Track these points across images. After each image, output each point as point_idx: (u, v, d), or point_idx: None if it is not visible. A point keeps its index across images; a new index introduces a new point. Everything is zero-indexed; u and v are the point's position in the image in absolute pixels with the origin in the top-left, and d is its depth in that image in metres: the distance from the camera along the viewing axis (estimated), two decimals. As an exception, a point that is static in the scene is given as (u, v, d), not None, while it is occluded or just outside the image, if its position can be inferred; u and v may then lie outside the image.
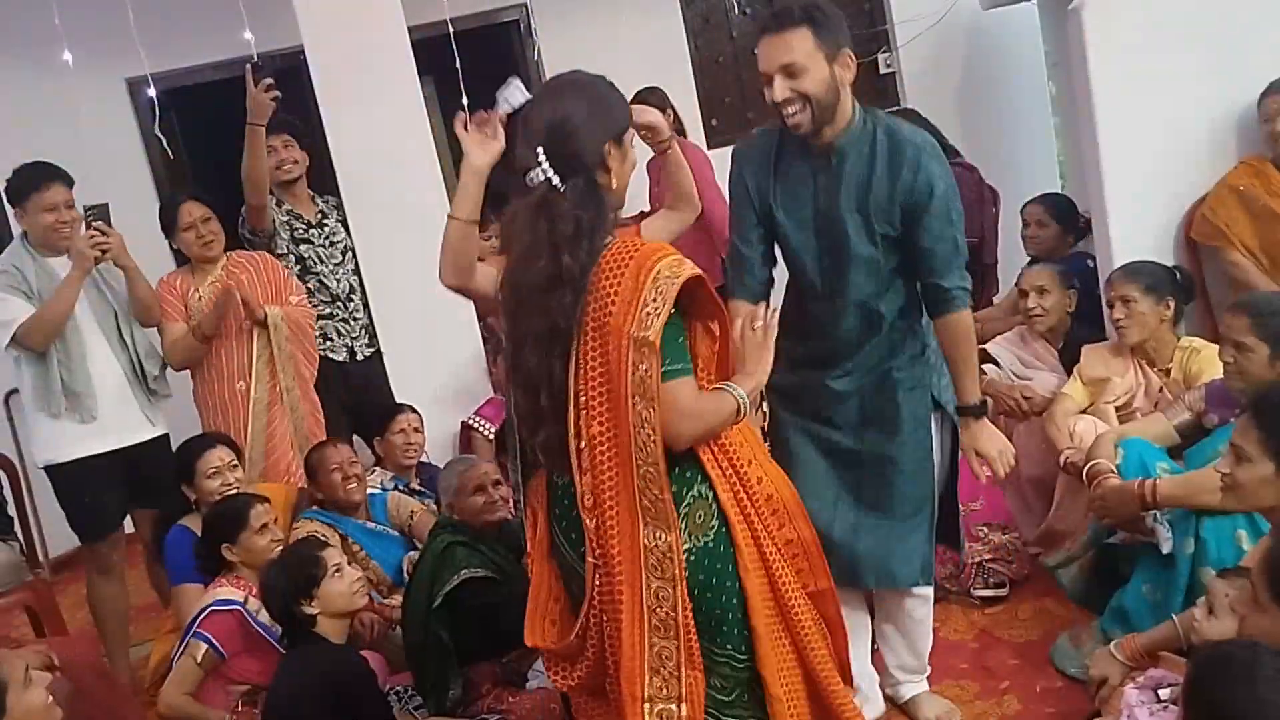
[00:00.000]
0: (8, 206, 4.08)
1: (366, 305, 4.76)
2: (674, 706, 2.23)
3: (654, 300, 2.12)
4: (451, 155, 7.55)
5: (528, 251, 2.20)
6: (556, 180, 2.16)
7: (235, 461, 3.82)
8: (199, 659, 3.26)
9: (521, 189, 2.20)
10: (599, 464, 2.19)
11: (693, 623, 2.24)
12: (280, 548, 3.43)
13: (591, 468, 2.20)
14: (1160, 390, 3.62)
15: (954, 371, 2.88)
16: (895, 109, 5.85)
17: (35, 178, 3.93)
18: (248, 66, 4.20)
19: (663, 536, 2.19)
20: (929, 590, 3.08)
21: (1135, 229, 4.08)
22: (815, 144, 2.75)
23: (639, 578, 2.19)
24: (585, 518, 2.23)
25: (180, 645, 3.35)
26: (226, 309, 4.12)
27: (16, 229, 4.08)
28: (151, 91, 4.97)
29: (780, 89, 2.65)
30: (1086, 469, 3.24)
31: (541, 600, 2.43)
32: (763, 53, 2.68)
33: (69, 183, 3.98)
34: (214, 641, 3.27)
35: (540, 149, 2.16)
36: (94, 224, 3.89)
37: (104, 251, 3.89)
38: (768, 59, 2.67)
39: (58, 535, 4.87)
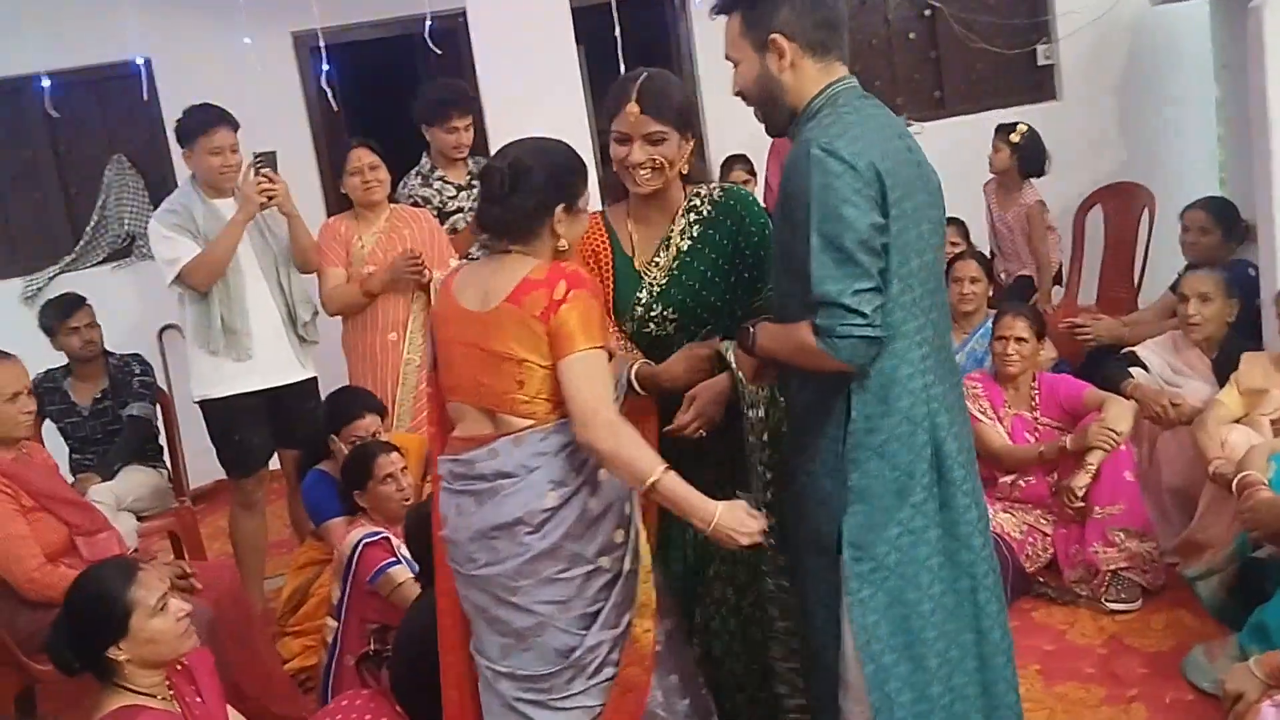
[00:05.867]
0: (175, 150, 4.20)
1: None
2: None
3: None
4: (594, 127, 7.61)
5: None
6: None
7: (380, 434, 3.82)
8: (401, 581, 3.29)
9: None
10: None
11: None
12: (409, 499, 3.50)
13: None
14: (1320, 407, 3.50)
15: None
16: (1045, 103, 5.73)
17: (203, 120, 4.06)
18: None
19: None
20: None
21: (1304, 240, 3.94)
22: None
23: None
24: None
25: (345, 579, 3.38)
26: (401, 273, 4.10)
27: (184, 172, 4.23)
28: (321, 45, 5.08)
29: None
30: (1237, 480, 3.17)
31: None
32: None
33: (234, 126, 4.10)
34: (396, 559, 3.33)
35: None
36: (262, 170, 4.01)
37: (270, 198, 4.02)
38: None
39: (198, 468, 5.08)
